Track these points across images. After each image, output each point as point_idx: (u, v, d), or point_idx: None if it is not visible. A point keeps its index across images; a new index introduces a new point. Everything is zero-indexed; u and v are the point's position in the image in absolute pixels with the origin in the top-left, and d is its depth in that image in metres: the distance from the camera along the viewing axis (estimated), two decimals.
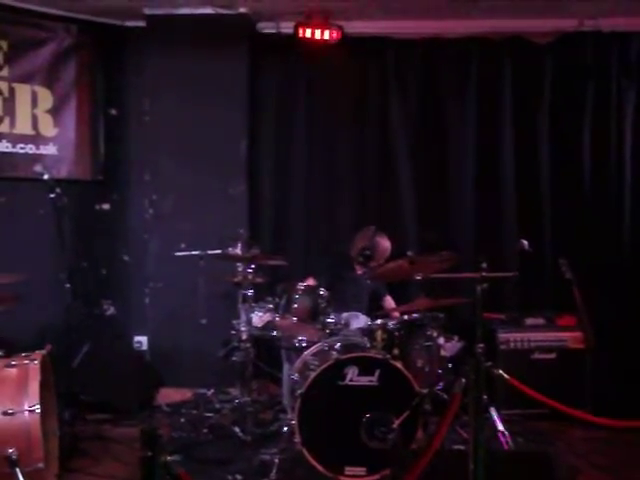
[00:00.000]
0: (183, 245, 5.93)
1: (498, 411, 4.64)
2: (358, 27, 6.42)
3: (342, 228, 6.51)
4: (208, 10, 6.27)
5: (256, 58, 6.50)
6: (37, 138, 6.20)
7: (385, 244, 5.51)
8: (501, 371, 3.36)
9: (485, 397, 3.22)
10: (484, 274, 4.47)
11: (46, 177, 4.90)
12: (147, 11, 6.31)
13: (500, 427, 4.54)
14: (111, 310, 6.56)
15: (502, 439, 4.49)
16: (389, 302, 5.76)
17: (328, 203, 6.61)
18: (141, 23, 6.42)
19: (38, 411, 3.74)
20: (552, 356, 5.66)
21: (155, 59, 6.40)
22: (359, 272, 5.55)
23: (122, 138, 6.63)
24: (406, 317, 4.93)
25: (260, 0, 6.05)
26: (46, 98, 6.23)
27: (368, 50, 6.55)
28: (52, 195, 4.84)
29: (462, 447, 4.28)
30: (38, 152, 6.19)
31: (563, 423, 4.95)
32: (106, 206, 6.61)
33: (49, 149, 6.26)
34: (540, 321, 5.82)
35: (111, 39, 6.53)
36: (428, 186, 6.55)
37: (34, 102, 6.18)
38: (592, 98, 6.40)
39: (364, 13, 6.28)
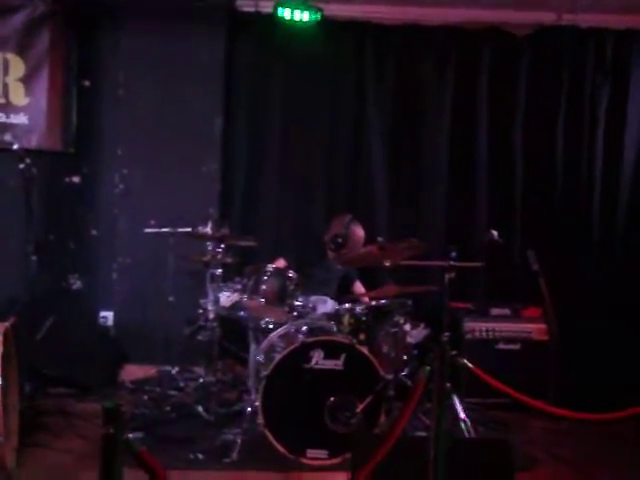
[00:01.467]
0: (153, 222, 5.87)
1: (461, 399, 4.68)
2: (337, 10, 6.37)
3: (314, 211, 6.52)
4: None
5: (234, 36, 6.44)
6: (7, 107, 6.09)
7: (359, 233, 5.49)
8: (465, 360, 3.37)
9: (448, 385, 3.24)
10: (452, 263, 4.52)
11: (16, 147, 4.82)
12: None
13: (462, 415, 4.59)
14: (77, 284, 6.49)
15: (463, 427, 4.54)
16: (359, 287, 5.78)
17: (301, 185, 6.60)
18: None
19: None
20: (516, 347, 5.72)
21: (131, 32, 6.30)
22: (330, 257, 5.55)
23: (95, 110, 6.51)
24: (374, 303, 4.95)
25: None
26: (18, 66, 6.12)
27: (347, 33, 6.52)
28: (21, 166, 4.76)
29: (424, 434, 4.31)
30: (8, 121, 6.08)
31: (525, 413, 4.98)
32: (76, 179, 6.51)
33: (20, 118, 6.14)
34: (506, 312, 5.88)
35: (86, 9, 6.38)
36: (401, 172, 6.58)
37: (5, 70, 6.07)
38: (567, 91, 6.46)
39: None
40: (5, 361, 3.84)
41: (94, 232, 6.55)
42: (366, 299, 5.22)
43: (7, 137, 5.22)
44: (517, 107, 6.50)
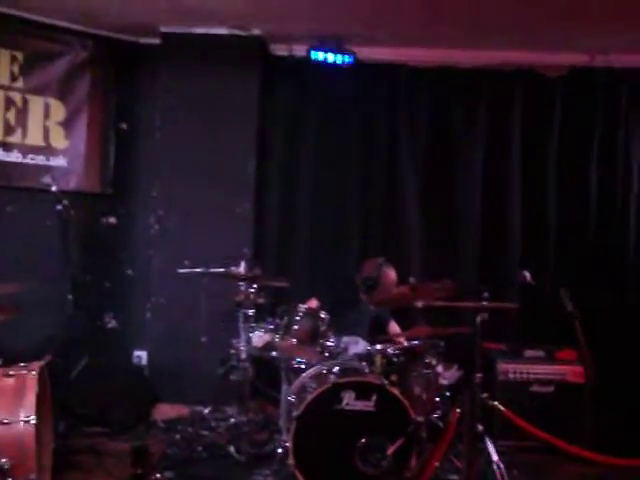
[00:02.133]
0: (187, 262, 5.93)
1: (493, 442, 4.61)
2: (370, 53, 6.45)
3: (347, 252, 6.54)
4: (222, 30, 6.32)
5: (268, 79, 6.55)
6: (48, 150, 6.25)
7: (391, 276, 5.47)
8: (497, 402, 3.35)
9: (481, 427, 3.21)
10: (485, 304, 4.49)
11: (54, 189, 4.95)
12: (163, 29, 6.38)
13: (495, 458, 4.51)
14: (112, 323, 6.57)
15: (496, 470, 4.47)
16: (394, 327, 5.75)
17: (334, 226, 6.62)
18: (156, 40, 6.47)
19: (33, 422, 3.74)
20: (550, 389, 5.63)
21: (168, 76, 6.45)
22: (362, 299, 5.55)
23: (132, 153, 6.68)
24: (406, 344, 4.92)
25: (274, 22, 6.12)
26: (58, 110, 6.29)
27: (379, 76, 6.58)
28: (59, 207, 4.88)
29: (456, 477, 4.26)
30: (48, 163, 6.22)
31: (559, 457, 4.92)
32: (113, 220, 6.64)
33: (59, 161, 6.30)
34: (540, 353, 5.80)
35: (126, 55, 6.59)
36: (435, 215, 6.59)
37: (46, 114, 6.23)
38: (600, 133, 6.43)
39: (377, 39, 6.32)
40: (40, 400, 3.89)
41: (129, 272, 6.66)
42: (399, 340, 5.20)
43: (46, 179, 5.31)
44: (550, 148, 6.48)
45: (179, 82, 6.42)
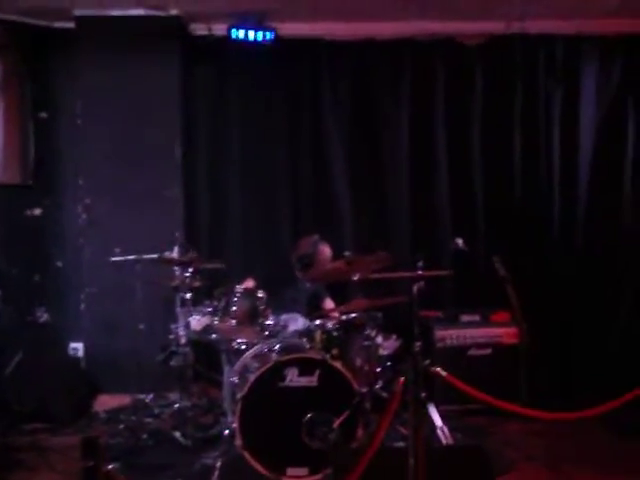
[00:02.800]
0: (118, 250, 5.82)
1: (437, 407, 4.72)
2: (291, 29, 6.42)
3: (280, 230, 6.55)
4: (139, 11, 6.19)
5: (189, 60, 6.47)
6: None
7: (326, 252, 5.49)
8: (438, 368, 3.41)
9: (424, 394, 3.27)
10: (420, 273, 4.56)
11: None
12: (77, 12, 6.20)
13: (439, 423, 4.62)
14: (45, 317, 6.43)
15: (441, 435, 4.58)
16: (329, 303, 5.79)
17: (265, 206, 6.61)
18: (71, 24, 6.28)
19: None
20: (488, 352, 5.78)
21: (85, 61, 6.29)
22: (298, 276, 5.56)
23: (54, 142, 6.51)
24: (344, 317, 4.97)
25: (192, 1, 6.02)
26: None
27: (301, 52, 6.57)
28: None
29: (402, 444, 4.34)
30: None
31: (499, 417, 5.08)
32: (37, 211, 6.47)
33: None
34: (475, 318, 5.93)
35: (39, 41, 6.38)
36: (363, 187, 6.63)
37: None
38: (521, 99, 6.55)
39: (297, 14, 6.29)
40: None
41: (59, 264, 6.52)
42: (337, 314, 5.24)
43: None
44: (473, 115, 6.58)
45: (98, 67, 6.27)
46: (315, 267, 5.38)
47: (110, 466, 2.24)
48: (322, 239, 5.52)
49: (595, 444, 4.95)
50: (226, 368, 5.10)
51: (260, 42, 6.21)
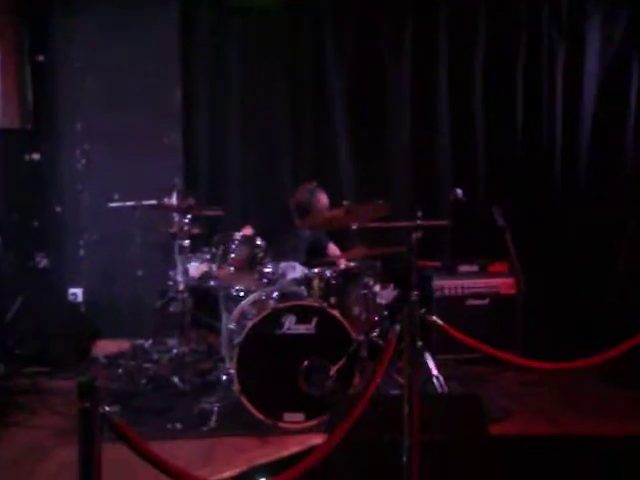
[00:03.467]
0: (117, 196, 5.82)
1: (433, 356, 4.76)
2: None
3: (280, 178, 6.53)
4: None
5: (189, 6, 6.35)
6: None
7: (323, 200, 5.46)
8: (435, 317, 3.43)
9: (420, 343, 3.29)
10: (419, 222, 4.55)
11: None
12: None
13: (434, 372, 4.66)
14: (44, 262, 6.43)
15: (436, 383, 4.62)
16: (333, 249, 5.80)
17: (265, 153, 6.58)
18: None
19: None
20: (485, 302, 5.81)
21: (83, 4, 6.18)
22: (297, 224, 5.55)
23: (51, 86, 6.41)
24: (342, 266, 4.98)
25: None
26: None
27: (304, 1, 6.46)
28: None
29: (397, 392, 4.38)
30: None
31: (496, 367, 5.14)
32: (36, 156, 6.42)
33: None
34: (474, 268, 5.94)
35: None
36: (364, 137, 6.57)
37: None
38: (524, 50, 6.48)
39: None
40: None
41: (58, 209, 6.49)
42: (337, 261, 5.25)
43: None
44: (476, 66, 6.51)
45: (96, 10, 6.18)
46: (312, 215, 5.37)
47: (107, 408, 2.25)
48: (320, 187, 5.49)
49: (592, 393, 4.98)
50: (224, 315, 5.12)
51: None
